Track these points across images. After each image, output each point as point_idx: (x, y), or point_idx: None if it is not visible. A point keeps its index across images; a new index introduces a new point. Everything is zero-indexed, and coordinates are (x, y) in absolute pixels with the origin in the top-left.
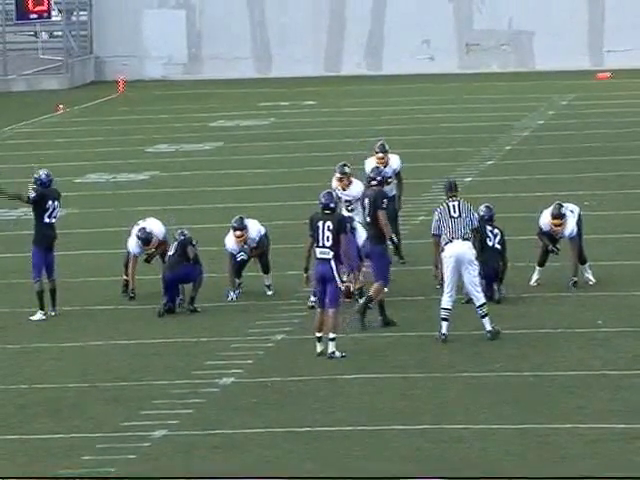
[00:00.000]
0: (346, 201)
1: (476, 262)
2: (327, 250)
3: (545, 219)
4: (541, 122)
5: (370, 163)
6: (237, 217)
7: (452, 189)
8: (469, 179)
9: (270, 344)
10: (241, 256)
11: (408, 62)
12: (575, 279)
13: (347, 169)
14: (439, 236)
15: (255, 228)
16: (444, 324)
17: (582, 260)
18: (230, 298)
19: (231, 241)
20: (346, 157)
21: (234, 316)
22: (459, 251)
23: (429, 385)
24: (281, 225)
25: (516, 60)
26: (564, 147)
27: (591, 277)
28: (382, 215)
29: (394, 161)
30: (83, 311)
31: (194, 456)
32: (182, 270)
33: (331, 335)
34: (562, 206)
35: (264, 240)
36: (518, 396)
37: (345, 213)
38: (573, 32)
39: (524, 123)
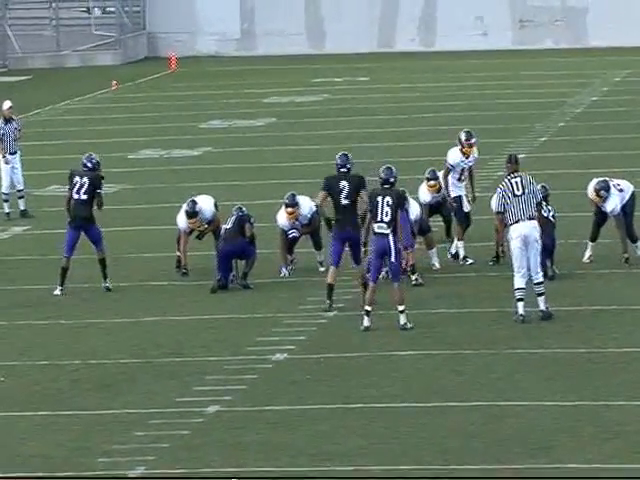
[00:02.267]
0: (462, 169)
1: (540, 240)
2: (385, 225)
3: (591, 188)
4: (595, 98)
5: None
6: (289, 194)
7: (512, 162)
8: (522, 156)
9: (323, 320)
10: (292, 233)
11: (461, 38)
12: (626, 255)
13: (473, 134)
14: (503, 213)
15: (307, 205)
16: (520, 304)
17: (633, 238)
18: (283, 274)
19: (283, 218)
20: (398, 133)
21: (287, 292)
22: (525, 232)
23: (481, 361)
24: None
25: (570, 36)
26: (618, 124)
27: None
28: None
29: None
30: (137, 287)
31: (247, 432)
32: (238, 244)
33: (400, 307)
34: (606, 183)
35: (316, 217)
36: (570, 372)
37: (456, 184)
38: (627, 8)
39: (577, 99)
